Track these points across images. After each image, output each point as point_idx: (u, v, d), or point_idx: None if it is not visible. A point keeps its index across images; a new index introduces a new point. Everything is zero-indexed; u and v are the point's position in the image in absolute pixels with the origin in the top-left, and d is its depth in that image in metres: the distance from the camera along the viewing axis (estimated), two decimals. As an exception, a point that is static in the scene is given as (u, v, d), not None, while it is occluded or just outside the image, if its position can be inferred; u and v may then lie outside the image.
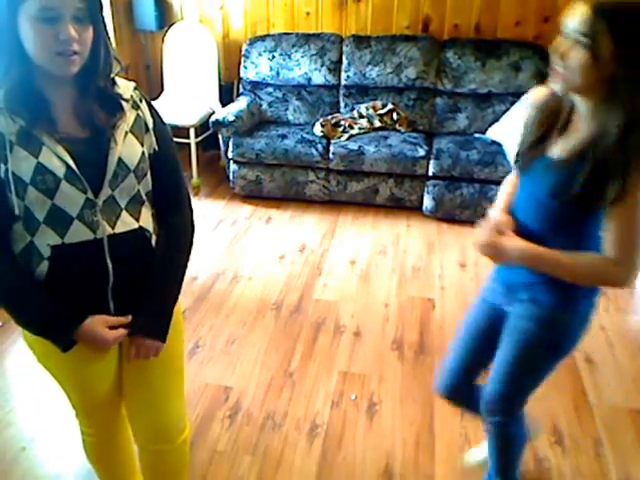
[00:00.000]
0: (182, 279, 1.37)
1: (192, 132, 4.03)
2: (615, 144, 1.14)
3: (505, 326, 1.52)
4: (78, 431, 1.58)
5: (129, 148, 1.22)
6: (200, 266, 3.13)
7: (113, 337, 1.27)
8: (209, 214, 3.82)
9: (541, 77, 3.76)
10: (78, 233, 1.19)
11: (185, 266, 1.37)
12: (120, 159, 1.20)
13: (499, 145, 3.65)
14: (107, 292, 1.26)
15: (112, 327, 1.27)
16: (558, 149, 1.27)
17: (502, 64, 3.79)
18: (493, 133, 3.77)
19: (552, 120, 1.30)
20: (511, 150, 3.53)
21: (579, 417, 2.18)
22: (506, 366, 1.52)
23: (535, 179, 1.32)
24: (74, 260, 1.21)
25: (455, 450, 2.04)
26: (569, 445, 2.06)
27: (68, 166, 1.14)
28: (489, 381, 1.59)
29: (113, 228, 1.23)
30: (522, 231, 1.35)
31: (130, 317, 1.30)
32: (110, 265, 1.23)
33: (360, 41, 3.97)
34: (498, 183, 3.57)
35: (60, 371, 1.38)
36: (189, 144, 4.07)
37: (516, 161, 1.40)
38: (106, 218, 1.21)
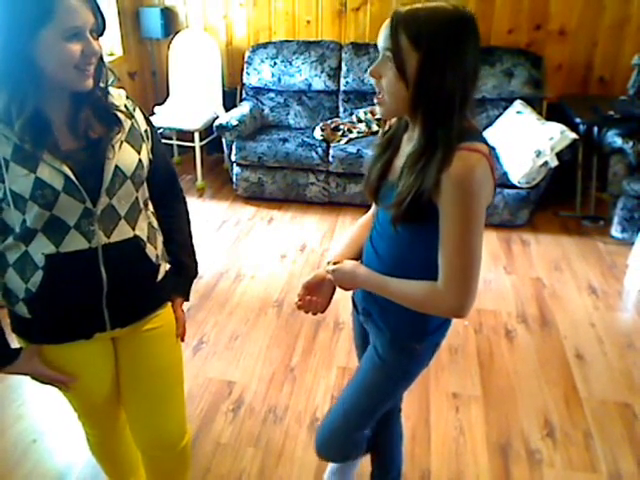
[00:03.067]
0: (194, 252, 1.48)
1: (197, 136, 4.03)
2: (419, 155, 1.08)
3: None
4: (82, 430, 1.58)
5: (125, 156, 1.20)
6: (204, 265, 3.13)
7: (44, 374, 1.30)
8: (213, 215, 3.82)
9: (533, 83, 3.77)
10: (73, 242, 1.16)
11: (192, 242, 1.49)
12: (116, 167, 1.17)
13: (492, 149, 3.64)
14: (102, 301, 1.23)
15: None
16: (395, 171, 1.19)
17: (495, 70, 3.79)
18: (487, 137, 3.76)
19: (388, 150, 1.23)
20: (504, 153, 3.53)
21: (570, 411, 2.18)
22: (347, 402, 1.46)
23: (387, 205, 1.22)
24: (68, 269, 1.18)
25: (450, 442, 2.04)
26: (560, 438, 2.06)
27: (66, 178, 1.11)
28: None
29: (109, 237, 1.20)
30: (383, 267, 1.25)
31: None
32: (104, 274, 1.21)
33: (359, 48, 3.97)
34: (492, 185, 3.57)
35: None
36: (194, 147, 4.07)
37: (367, 189, 1.29)
38: (103, 227, 1.18)
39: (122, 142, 1.20)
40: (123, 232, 1.22)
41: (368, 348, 1.43)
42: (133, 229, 1.24)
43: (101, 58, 1.15)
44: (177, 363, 1.46)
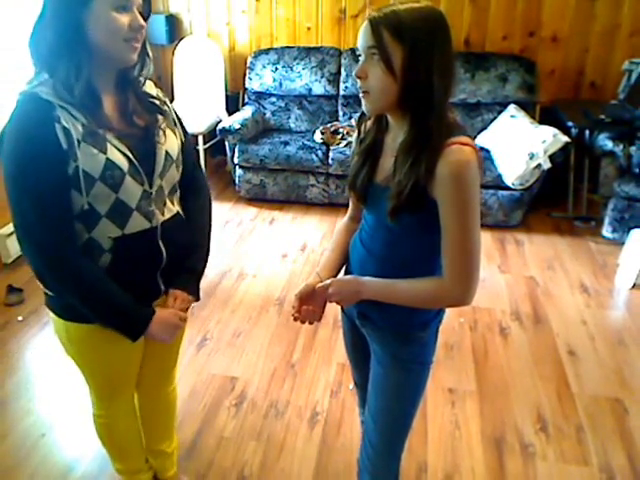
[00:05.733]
0: (209, 249, 1.48)
1: (200, 139, 4.03)
2: (409, 144, 1.09)
3: (370, 360, 1.38)
4: (90, 414, 1.57)
5: (170, 141, 1.27)
6: (208, 264, 3.11)
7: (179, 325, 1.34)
8: (216, 216, 3.76)
9: (526, 88, 3.77)
10: (137, 223, 1.21)
11: (209, 238, 1.48)
12: (166, 151, 1.24)
13: (487, 151, 3.64)
14: (157, 274, 1.30)
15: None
16: (382, 173, 1.19)
17: (490, 76, 3.79)
18: (481, 140, 3.77)
19: (371, 155, 1.22)
20: (499, 156, 3.53)
21: (562, 406, 2.18)
22: (378, 417, 1.37)
23: (376, 207, 1.21)
24: (133, 249, 1.23)
25: (446, 436, 2.04)
26: (553, 432, 2.06)
27: (130, 161, 1.15)
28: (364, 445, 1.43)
29: (163, 215, 1.27)
30: (380, 267, 1.24)
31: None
32: (163, 249, 1.27)
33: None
34: (486, 187, 3.59)
35: (90, 358, 1.38)
36: (197, 150, 4.07)
37: (354, 194, 1.27)
38: (157, 207, 1.25)
39: (166, 128, 1.26)
40: (170, 209, 1.30)
41: (372, 359, 1.37)
42: (173, 205, 1.32)
43: (146, 48, 1.18)
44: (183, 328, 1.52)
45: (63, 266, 1.16)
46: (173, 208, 1.32)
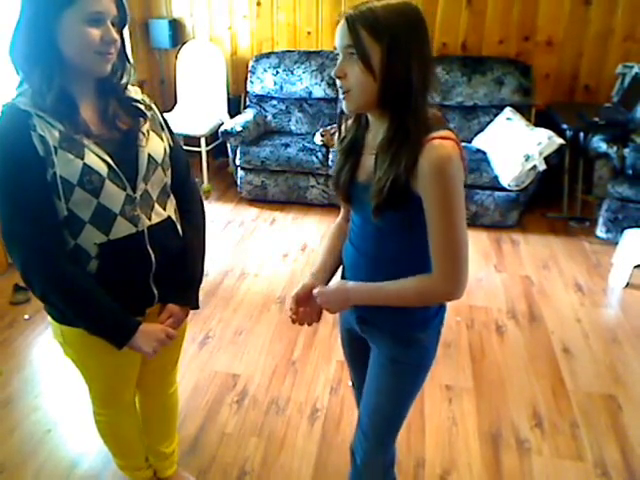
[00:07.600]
0: (204, 254, 1.42)
1: (203, 141, 4.03)
2: (388, 141, 1.07)
3: (370, 357, 1.35)
4: (90, 412, 1.57)
5: (154, 144, 1.24)
6: (210, 264, 3.12)
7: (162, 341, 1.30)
8: (218, 216, 3.81)
9: (522, 91, 3.77)
10: (122, 228, 1.19)
11: (204, 242, 1.42)
12: (149, 155, 1.22)
13: (483, 153, 3.65)
14: (150, 279, 1.27)
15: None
16: (364, 171, 1.16)
17: (486, 79, 3.79)
18: (478, 142, 3.77)
19: (353, 153, 1.19)
20: (495, 158, 3.53)
21: (557, 402, 2.18)
22: (372, 414, 1.36)
23: (361, 206, 1.18)
24: (120, 254, 1.21)
25: (444, 432, 2.04)
26: (548, 428, 2.06)
27: (109, 165, 1.14)
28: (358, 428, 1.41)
29: (150, 220, 1.24)
30: (371, 266, 1.22)
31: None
32: (152, 254, 1.24)
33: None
34: (483, 188, 3.59)
35: (87, 361, 1.37)
36: (200, 152, 4.07)
37: (339, 193, 1.24)
38: (143, 211, 1.22)
39: (149, 131, 1.24)
40: (159, 214, 1.27)
41: (371, 358, 1.35)
42: (165, 210, 1.29)
43: (125, 54, 1.17)
44: (182, 332, 1.51)
45: (49, 271, 1.14)
46: (163, 213, 1.28)
